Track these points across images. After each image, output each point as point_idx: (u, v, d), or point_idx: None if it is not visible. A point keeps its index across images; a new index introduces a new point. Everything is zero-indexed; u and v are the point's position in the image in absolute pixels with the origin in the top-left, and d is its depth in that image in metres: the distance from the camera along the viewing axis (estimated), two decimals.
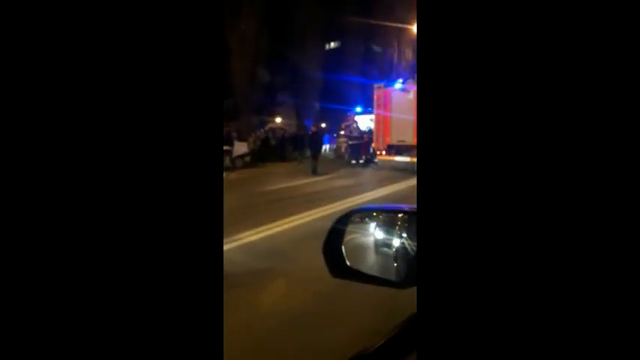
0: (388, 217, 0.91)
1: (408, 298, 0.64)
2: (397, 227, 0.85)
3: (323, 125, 19.91)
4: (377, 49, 21.31)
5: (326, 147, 19.48)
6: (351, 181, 9.61)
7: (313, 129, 12.48)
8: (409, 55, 19.94)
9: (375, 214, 0.96)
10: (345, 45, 22.84)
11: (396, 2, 18.36)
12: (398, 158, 11.19)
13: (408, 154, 10.85)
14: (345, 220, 0.89)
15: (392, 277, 0.81)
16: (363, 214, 0.97)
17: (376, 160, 12.09)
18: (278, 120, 21.29)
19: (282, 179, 9.80)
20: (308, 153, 12.31)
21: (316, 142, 11.87)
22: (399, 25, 18.48)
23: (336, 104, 17.98)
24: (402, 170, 10.78)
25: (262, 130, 18.43)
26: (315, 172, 10.80)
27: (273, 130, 19.74)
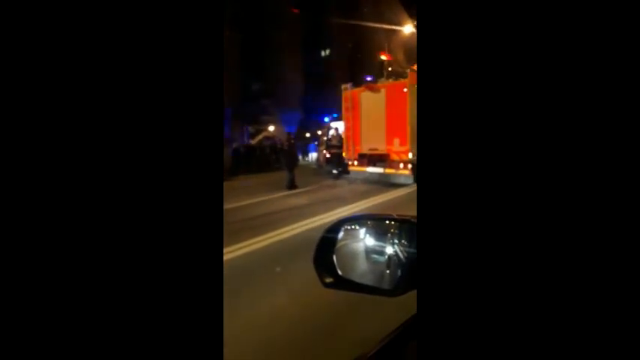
0: (379, 225, 0.85)
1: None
2: (389, 235, 0.80)
3: (319, 133, 18.28)
4: (365, 52, 19.49)
5: (312, 155, 17.88)
6: (311, 200, 7.78)
7: (291, 141, 10.68)
8: (400, 57, 18.06)
9: (365, 222, 0.89)
10: (331, 50, 21.20)
11: (382, 5, 16.65)
12: (371, 169, 9.27)
13: (382, 164, 8.95)
14: (335, 229, 0.83)
15: (385, 285, 0.77)
16: (354, 222, 0.89)
17: (345, 170, 10.19)
18: (271, 129, 19.83)
19: (235, 199, 8.04)
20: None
21: (291, 155, 10.11)
22: (389, 27, 16.66)
23: (323, 110, 16.28)
24: (376, 183, 8.92)
25: (253, 141, 17.00)
26: (293, 187, 9.15)
27: (267, 138, 18.33)
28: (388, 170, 8.76)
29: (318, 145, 14.96)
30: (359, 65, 19.14)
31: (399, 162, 8.54)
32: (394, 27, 16.31)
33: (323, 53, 22.25)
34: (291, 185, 9.26)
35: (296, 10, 18.72)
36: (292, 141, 12.03)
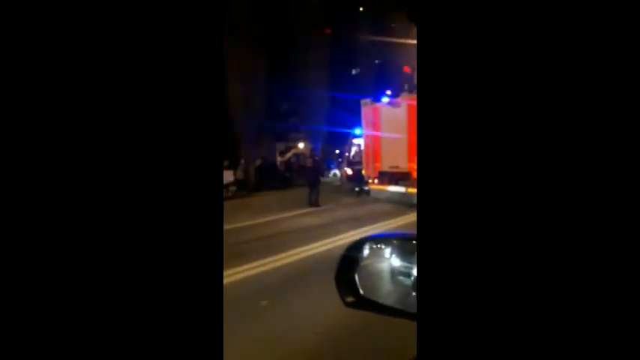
0: (405, 244, 0.78)
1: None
2: (416, 255, 0.68)
3: (352, 150, 17.83)
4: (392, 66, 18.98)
5: (333, 172, 17.45)
6: (328, 219, 7.25)
7: (314, 157, 10.34)
8: None
9: (390, 241, 0.83)
10: (360, 67, 20.90)
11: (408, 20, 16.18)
12: (391, 188, 8.61)
13: (404, 183, 8.28)
14: (358, 248, 0.79)
15: (410, 307, 0.68)
16: (378, 240, 0.84)
17: (366, 188, 9.54)
18: (301, 146, 19.67)
19: (255, 215, 7.66)
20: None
21: (314, 172, 9.74)
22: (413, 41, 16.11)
23: (348, 127, 15.84)
24: (398, 203, 8.25)
25: (276, 156, 16.83)
26: (316, 204, 8.86)
27: (296, 155, 18.15)
28: (411, 189, 8.07)
29: (341, 162, 14.53)
30: (387, 81, 18.65)
31: None
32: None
33: (354, 71, 21.97)
34: (313, 203, 8.80)
35: (328, 31, 18.61)
36: (316, 157, 11.58)
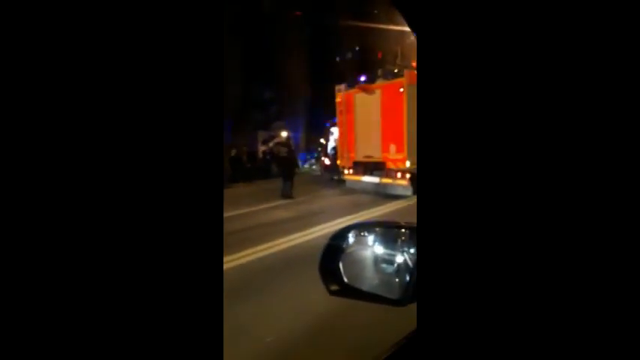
0: (388, 232, 0.80)
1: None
2: (399, 243, 0.76)
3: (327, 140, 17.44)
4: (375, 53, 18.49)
5: (313, 163, 17.11)
6: (299, 212, 6.88)
7: (290, 147, 9.93)
8: (401, 55, 16.86)
9: (374, 229, 0.83)
10: (341, 54, 20.39)
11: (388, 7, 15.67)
12: (366, 178, 8.25)
13: (378, 173, 7.93)
14: (342, 236, 0.79)
15: (393, 294, 0.72)
16: (362, 229, 0.84)
17: (338, 178, 9.17)
18: (284, 134, 19.21)
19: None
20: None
21: (289, 162, 9.22)
22: (397, 28, 15.62)
23: (327, 115, 15.39)
24: (374, 193, 7.91)
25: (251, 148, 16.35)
26: (288, 196, 8.39)
27: (279, 144, 17.73)
28: (385, 180, 7.74)
29: (320, 152, 14.15)
30: (368, 67, 18.24)
31: (396, 171, 7.51)
32: (396, 27, 15.23)
33: (338, 58, 21.43)
34: (287, 195, 8.39)
35: (298, 13, 18.01)
36: (292, 147, 11.12)
